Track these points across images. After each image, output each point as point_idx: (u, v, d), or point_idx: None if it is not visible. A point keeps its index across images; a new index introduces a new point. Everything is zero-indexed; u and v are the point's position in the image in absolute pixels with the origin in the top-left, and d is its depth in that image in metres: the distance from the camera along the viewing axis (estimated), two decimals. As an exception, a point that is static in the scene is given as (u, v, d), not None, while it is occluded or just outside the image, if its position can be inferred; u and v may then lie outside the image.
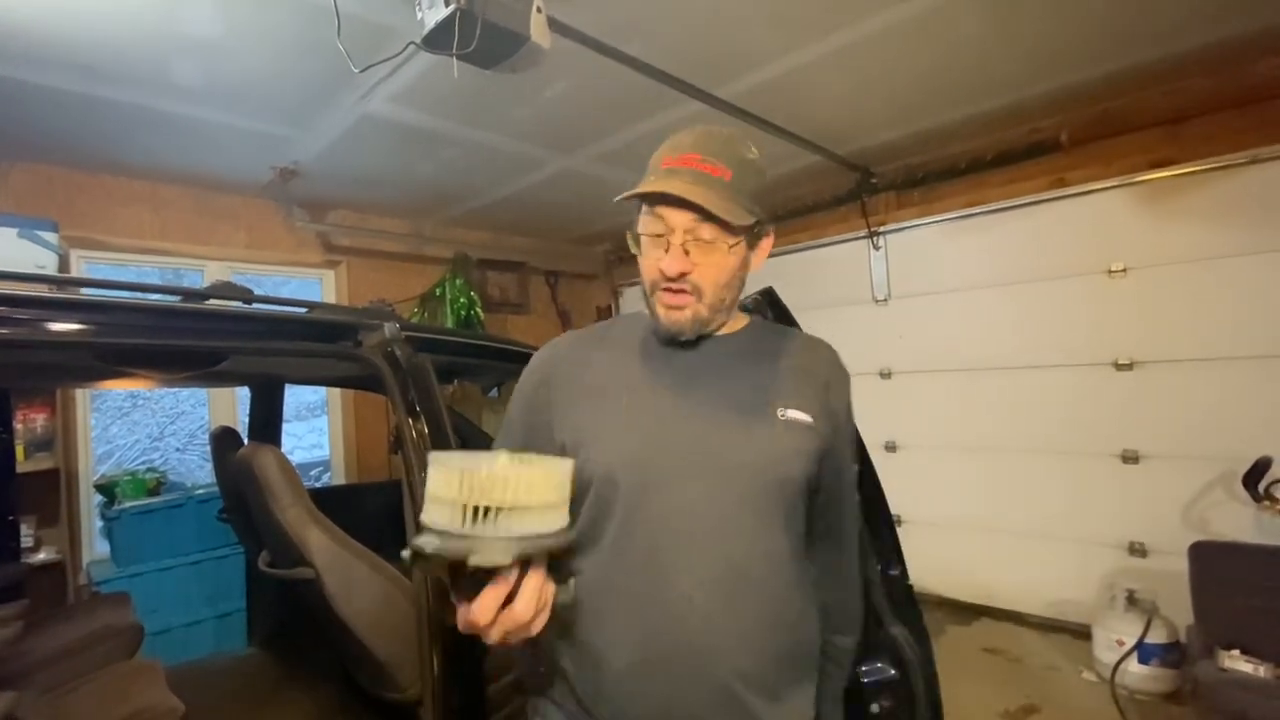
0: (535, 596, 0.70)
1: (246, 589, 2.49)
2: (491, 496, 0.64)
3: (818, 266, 4.25)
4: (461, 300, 4.19)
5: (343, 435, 4.12)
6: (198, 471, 3.72)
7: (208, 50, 2.21)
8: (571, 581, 0.79)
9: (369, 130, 2.89)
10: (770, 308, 1.26)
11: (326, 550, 1.49)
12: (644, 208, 0.87)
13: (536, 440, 0.91)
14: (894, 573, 1.30)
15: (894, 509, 1.40)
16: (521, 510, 0.65)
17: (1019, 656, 3.10)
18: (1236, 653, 2.09)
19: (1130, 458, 3.12)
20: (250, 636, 2.45)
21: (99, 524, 3.18)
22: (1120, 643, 2.71)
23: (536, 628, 0.72)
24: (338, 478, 4.09)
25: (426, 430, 1.30)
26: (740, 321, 0.98)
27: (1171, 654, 2.64)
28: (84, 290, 1.36)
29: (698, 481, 0.84)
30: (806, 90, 2.75)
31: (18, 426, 2.56)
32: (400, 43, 1.91)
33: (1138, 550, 3.09)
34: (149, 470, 3.30)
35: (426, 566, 0.70)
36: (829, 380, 0.94)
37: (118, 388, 3.22)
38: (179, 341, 1.20)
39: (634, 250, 0.90)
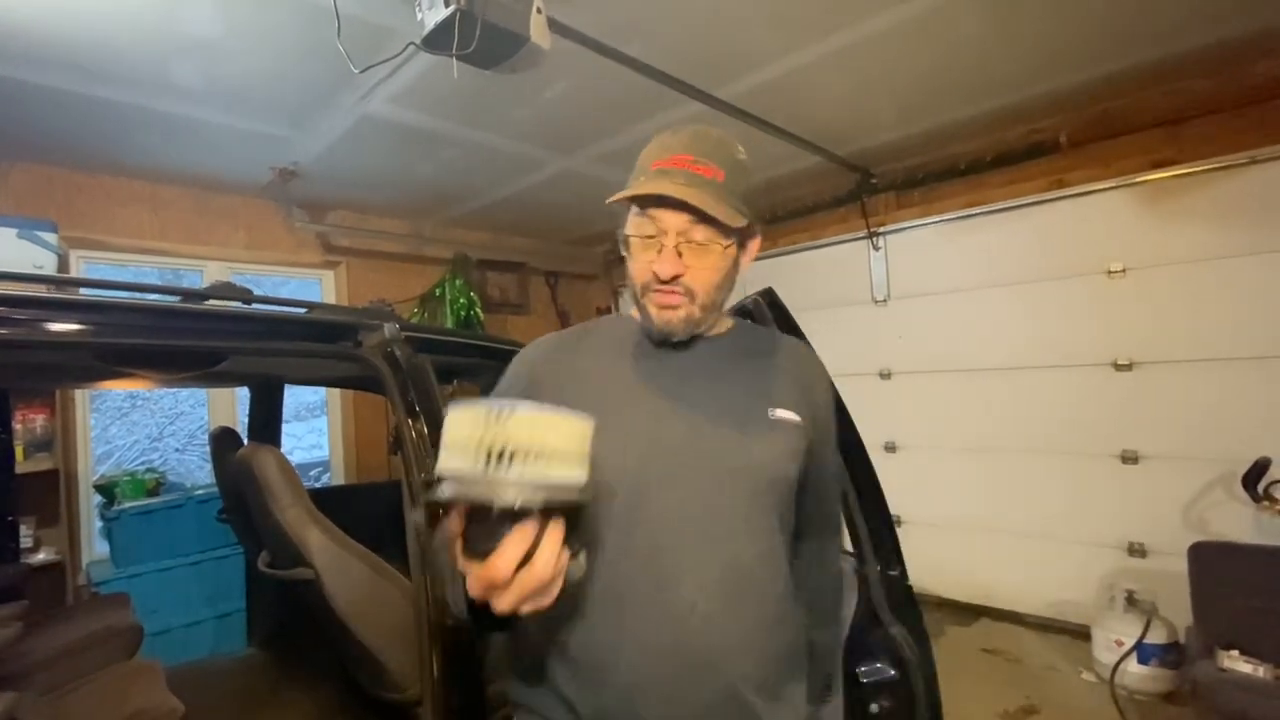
0: (555, 555, 0.63)
1: (246, 589, 2.50)
2: (516, 436, 0.60)
3: (817, 267, 4.25)
4: (461, 301, 4.19)
5: (342, 436, 4.12)
6: (197, 472, 3.71)
7: (207, 51, 2.21)
8: (583, 555, 0.73)
9: (369, 131, 2.89)
10: (770, 308, 1.27)
11: (326, 551, 1.49)
12: (634, 209, 0.86)
13: None
14: (893, 573, 1.30)
15: (894, 509, 1.40)
16: (545, 458, 0.61)
17: (1018, 657, 3.10)
18: (1236, 653, 2.09)
19: (1130, 458, 3.12)
20: (250, 637, 2.45)
21: (98, 524, 3.18)
22: (1120, 643, 2.71)
23: (550, 597, 0.66)
24: (337, 478, 4.09)
25: (426, 431, 1.30)
26: (728, 323, 0.98)
27: (1171, 654, 2.64)
28: (83, 290, 1.36)
29: (696, 483, 0.83)
30: (807, 91, 2.75)
31: (17, 427, 2.56)
32: (400, 43, 1.92)
33: (1137, 551, 3.09)
34: (148, 471, 3.30)
35: (443, 517, 0.64)
36: (811, 379, 0.96)
37: (117, 388, 3.22)
38: (178, 342, 1.20)
39: (623, 252, 0.88)
